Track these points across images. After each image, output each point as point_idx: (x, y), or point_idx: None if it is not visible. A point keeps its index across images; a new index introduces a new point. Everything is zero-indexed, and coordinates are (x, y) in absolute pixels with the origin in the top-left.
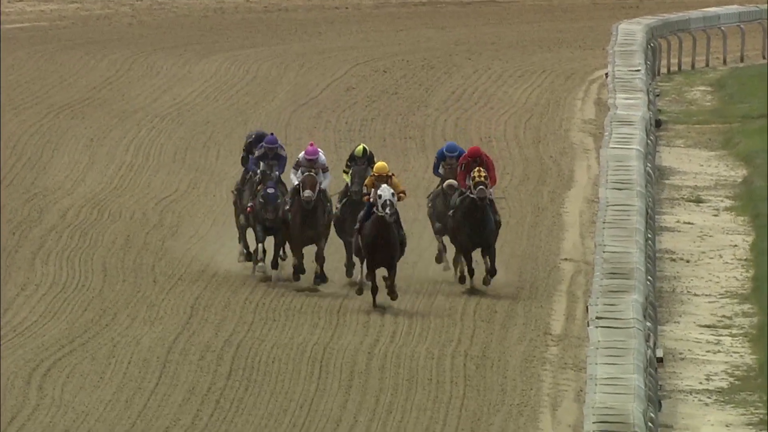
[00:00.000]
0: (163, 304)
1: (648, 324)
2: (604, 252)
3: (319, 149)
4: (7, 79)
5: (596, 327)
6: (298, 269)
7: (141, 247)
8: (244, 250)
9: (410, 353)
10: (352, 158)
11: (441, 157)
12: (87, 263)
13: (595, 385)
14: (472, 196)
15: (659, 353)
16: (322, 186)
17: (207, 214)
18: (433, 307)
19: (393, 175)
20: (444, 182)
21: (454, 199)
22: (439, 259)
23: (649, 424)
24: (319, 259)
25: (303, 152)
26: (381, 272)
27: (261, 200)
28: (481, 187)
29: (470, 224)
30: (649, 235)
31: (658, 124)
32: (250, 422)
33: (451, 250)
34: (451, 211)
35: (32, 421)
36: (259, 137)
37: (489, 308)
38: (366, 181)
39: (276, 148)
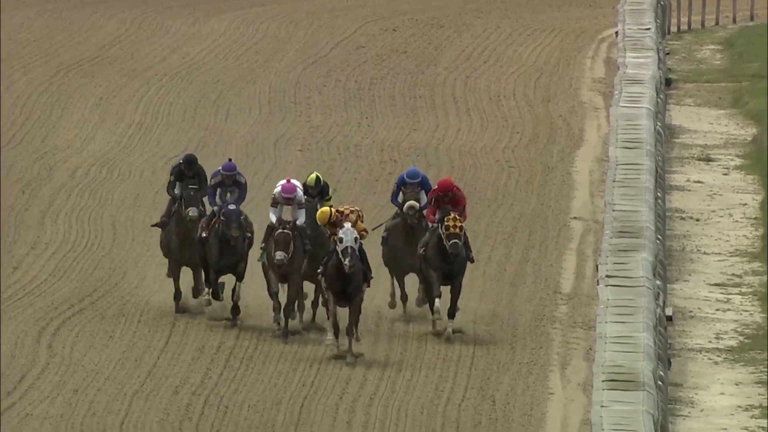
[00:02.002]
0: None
1: (657, 282)
2: (613, 211)
3: (297, 184)
4: (16, 38)
5: (606, 286)
6: (278, 307)
7: (150, 205)
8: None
9: (420, 310)
10: (305, 188)
11: (402, 184)
12: (97, 222)
13: (605, 343)
14: (443, 243)
15: (669, 312)
16: (298, 223)
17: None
18: None
19: (351, 212)
20: (404, 206)
21: (424, 239)
22: (392, 304)
23: (659, 382)
24: (291, 303)
25: (279, 187)
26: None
27: (222, 218)
28: (454, 241)
29: (440, 261)
30: (659, 194)
31: (668, 82)
32: (260, 381)
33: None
34: (422, 248)
35: (42, 380)
36: (188, 162)
37: (498, 267)
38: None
39: (234, 175)
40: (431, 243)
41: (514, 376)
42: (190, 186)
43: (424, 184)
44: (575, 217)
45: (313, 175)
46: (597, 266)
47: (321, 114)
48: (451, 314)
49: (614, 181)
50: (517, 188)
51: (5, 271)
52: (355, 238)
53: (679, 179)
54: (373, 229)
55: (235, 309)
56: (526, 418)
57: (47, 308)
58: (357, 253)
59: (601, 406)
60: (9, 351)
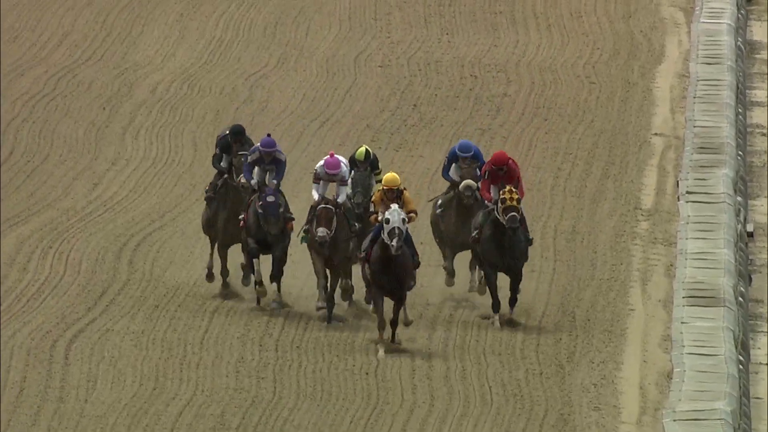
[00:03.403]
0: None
1: (738, 198)
2: (694, 127)
3: (342, 160)
4: None
5: (686, 202)
6: (328, 297)
7: (231, 122)
8: (207, 269)
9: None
10: (353, 163)
11: (453, 158)
12: (177, 138)
13: (686, 259)
14: (500, 219)
15: (749, 228)
16: (340, 200)
17: (297, 90)
18: (524, 181)
19: (405, 189)
20: (459, 184)
21: (477, 220)
22: (450, 282)
23: (739, 298)
24: (344, 283)
25: (322, 162)
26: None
27: (260, 211)
28: (513, 214)
29: (498, 247)
30: (740, 110)
31: None
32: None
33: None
34: (475, 232)
35: (122, 296)
36: (236, 133)
37: (579, 183)
38: (374, 197)
39: (274, 153)
40: (486, 227)
41: (594, 293)
42: (240, 153)
43: (477, 158)
44: (656, 133)
45: (362, 149)
46: (678, 182)
47: (401, 30)
48: (512, 302)
49: (695, 97)
50: (598, 104)
51: (86, 186)
52: (403, 219)
53: (759, 95)
54: (428, 201)
55: (277, 303)
56: (607, 335)
57: (128, 224)
58: (404, 234)
59: (682, 323)
60: (90, 267)
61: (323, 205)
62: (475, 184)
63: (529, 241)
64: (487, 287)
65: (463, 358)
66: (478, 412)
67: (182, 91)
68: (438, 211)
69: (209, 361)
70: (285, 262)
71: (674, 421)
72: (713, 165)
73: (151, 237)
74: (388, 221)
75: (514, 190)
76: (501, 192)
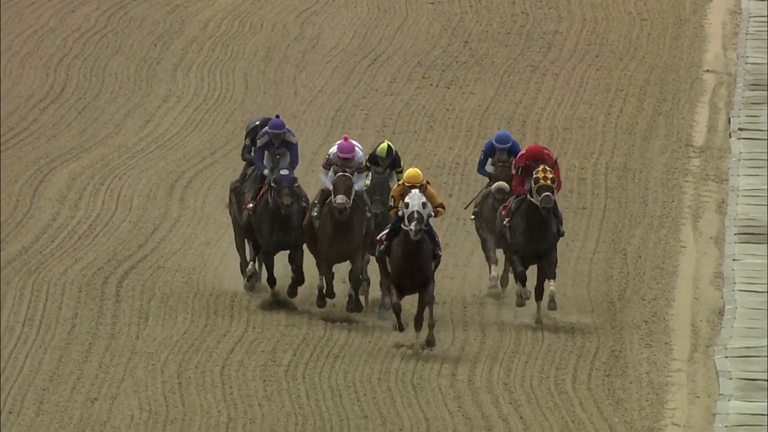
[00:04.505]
0: (304, 116)
1: None
2: (746, 63)
3: (357, 145)
4: None
5: (738, 138)
6: (327, 293)
7: (282, 59)
8: (250, 270)
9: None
10: (373, 159)
11: (490, 151)
12: (228, 75)
13: (737, 196)
14: (532, 200)
15: None
16: (357, 188)
17: (347, 27)
18: (575, 118)
19: (429, 184)
20: (492, 184)
21: (509, 209)
22: (499, 285)
23: None
24: (355, 280)
25: (335, 148)
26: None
27: (273, 184)
28: (547, 194)
29: (529, 231)
30: None
31: None
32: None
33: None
34: (507, 219)
35: (173, 233)
36: (266, 124)
37: (630, 120)
38: (393, 191)
39: (283, 134)
40: (517, 213)
41: (645, 230)
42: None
43: (513, 151)
44: (708, 70)
45: (384, 144)
46: (729, 119)
47: None
48: (539, 295)
49: (747, 34)
50: (649, 41)
51: (137, 123)
52: (423, 203)
53: None
54: (465, 208)
55: (294, 288)
56: (658, 272)
57: (179, 161)
58: (425, 219)
59: (733, 260)
60: (141, 204)
61: (342, 173)
62: (508, 187)
63: (561, 234)
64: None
65: (514, 297)
66: (529, 348)
67: (233, 28)
68: (475, 209)
69: (260, 298)
70: (302, 259)
71: (725, 358)
72: (765, 101)
73: (202, 174)
74: (407, 205)
75: (548, 168)
76: (534, 171)
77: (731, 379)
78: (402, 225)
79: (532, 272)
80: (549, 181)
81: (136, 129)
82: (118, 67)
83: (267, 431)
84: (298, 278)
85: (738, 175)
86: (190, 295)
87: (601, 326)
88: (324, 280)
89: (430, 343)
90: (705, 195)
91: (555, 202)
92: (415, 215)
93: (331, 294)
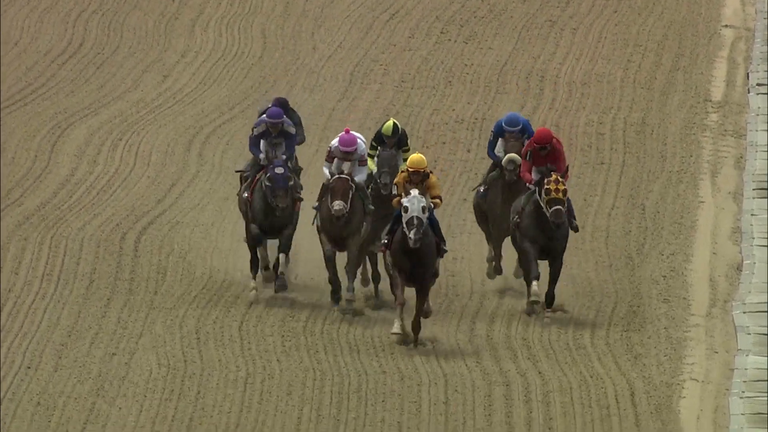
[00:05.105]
0: (322, 71)
1: None
2: (765, 18)
3: (359, 136)
4: None
5: (757, 94)
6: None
7: (300, 14)
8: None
9: (570, 121)
10: (379, 138)
11: (499, 132)
12: (246, 30)
13: (755, 151)
14: (542, 211)
15: None
16: (357, 180)
17: None
18: (594, 73)
19: (431, 172)
20: (503, 160)
21: (518, 203)
22: (495, 271)
23: None
24: (351, 271)
25: (336, 141)
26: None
27: (267, 183)
28: (557, 208)
29: (538, 230)
30: None
31: None
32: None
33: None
34: (516, 216)
35: (192, 188)
36: (280, 104)
37: (649, 75)
38: (396, 179)
39: (280, 124)
40: (527, 211)
41: (664, 185)
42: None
43: (526, 132)
44: (726, 25)
45: (390, 122)
46: (748, 74)
47: None
48: (549, 302)
49: None
50: None
51: (156, 78)
52: (423, 207)
53: None
54: (472, 190)
55: (280, 281)
56: (676, 227)
57: (197, 116)
58: (425, 224)
59: (752, 215)
60: (160, 159)
61: (338, 176)
62: (519, 159)
63: (575, 229)
64: (524, 277)
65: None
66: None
67: None
68: (481, 189)
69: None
70: (290, 247)
71: (744, 313)
72: None
73: (220, 129)
74: (407, 210)
75: (561, 180)
76: (546, 181)
77: (749, 334)
78: (402, 228)
79: (542, 271)
80: (561, 194)
81: (155, 84)
82: (136, 22)
83: (285, 386)
84: (277, 267)
85: (756, 130)
86: (208, 251)
87: (619, 281)
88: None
89: (424, 314)
90: (723, 150)
91: (568, 199)
92: (414, 221)
93: (337, 295)
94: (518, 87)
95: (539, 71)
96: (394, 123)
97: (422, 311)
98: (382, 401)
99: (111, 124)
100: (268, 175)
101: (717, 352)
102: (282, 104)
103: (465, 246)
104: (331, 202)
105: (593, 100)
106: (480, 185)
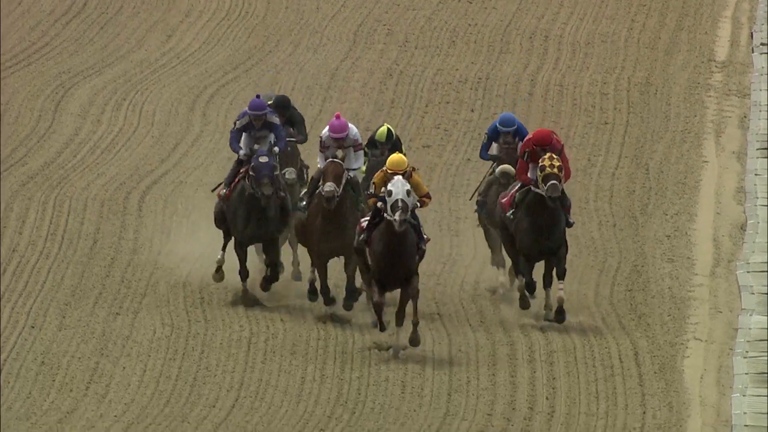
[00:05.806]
0: (326, 31)
1: None
2: None
3: (349, 124)
4: None
5: (761, 53)
6: (322, 292)
7: None
8: (220, 260)
9: (574, 81)
10: (372, 143)
11: (493, 134)
12: None
13: (759, 111)
14: (538, 191)
15: None
16: (354, 167)
17: None
18: (597, 33)
19: (414, 170)
20: (496, 168)
21: (514, 200)
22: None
23: None
24: (350, 279)
25: (326, 129)
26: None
27: (251, 172)
28: (553, 182)
29: (534, 225)
30: None
31: None
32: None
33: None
34: (511, 212)
35: (195, 148)
36: (279, 105)
37: (653, 35)
38: (375, 178)
39: (264, 116)
40: (522, 205)
41: (668, 144)
42: (289, 140)
43: (519, 134)
44: None
45: (384, 128)
46: (752, 34)
47: None
48: (547, 282)
49: None
50: None
51: (159, 38)
52: (408, 191)
53: None
54: (469, 199)
55: (268, 282)
56: (680, 186)
57: (201, 76)
58: (409, 208)
59: (756, 174)
60: (164, 119)
61: (331, 160)
62: (513, 171)
63: (570, 225)
64: (516, 275)
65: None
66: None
67: None
68: (479, 198)
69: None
70: (278, 256)
71: (747, 272)
72: None
73: (224, 89)
74: (390, 193)
75: (555, 156)
76: (540, 159)
77: (753, 293)
78: (384, 215)
79: (537, 267)
80: (556, 169)
81: (158, 44)
82: None
83: (288, 346)
84: (272, 273)
85: (760, 90)
86: (212, 211)
87: (623, 241)
88: (316, 274)
89: (413, 342)
90: (727, 110)
91: (563, 191)
92: (399, 204)
93: (327, 292)
94: (522, 47)
95: (543, 31)
96: (389, 129)
97: (404, 311)
98: (386, 361)
99: (115, 84)
100: (252, 164)
101: (721, 312)
102: (283, 103)
103: (469, 206)
104: (323, 184)
105: (597, 60)
106: (478, 193)
